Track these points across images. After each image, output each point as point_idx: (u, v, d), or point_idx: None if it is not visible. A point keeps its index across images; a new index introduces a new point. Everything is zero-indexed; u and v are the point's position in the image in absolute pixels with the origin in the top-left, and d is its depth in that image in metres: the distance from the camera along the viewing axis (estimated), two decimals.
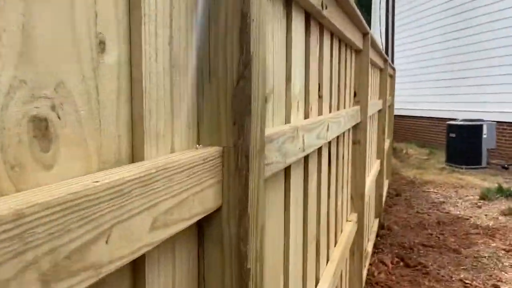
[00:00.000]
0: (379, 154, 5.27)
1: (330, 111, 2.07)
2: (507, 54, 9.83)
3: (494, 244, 4.67)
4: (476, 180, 7.96)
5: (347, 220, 2.76)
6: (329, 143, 2.05)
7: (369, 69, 3.18)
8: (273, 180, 1.18)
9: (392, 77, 7.46)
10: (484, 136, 8.82)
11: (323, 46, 1.86)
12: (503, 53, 9.95)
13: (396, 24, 13.81)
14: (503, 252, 4.46)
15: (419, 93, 13.15)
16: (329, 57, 2.00)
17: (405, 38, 13.92)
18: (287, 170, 1.33)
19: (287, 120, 1.39)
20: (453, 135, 9.08)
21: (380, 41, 12.00)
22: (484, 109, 10.40)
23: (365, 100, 2.88)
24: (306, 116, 1.65)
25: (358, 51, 2.88)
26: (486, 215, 5.76)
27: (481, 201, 6.45)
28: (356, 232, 2.94)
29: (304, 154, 1.41)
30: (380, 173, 5.28)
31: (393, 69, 7.37)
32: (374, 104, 4.11)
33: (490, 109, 10.27)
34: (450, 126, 9.20)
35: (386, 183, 7.13)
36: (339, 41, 2.28)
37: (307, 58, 1.62)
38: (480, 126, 8.82)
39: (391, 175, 7.81)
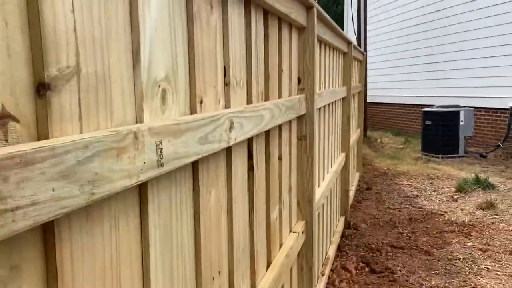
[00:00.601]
0: (344, 146, 4.82)
1: (250, 102, 1.58)
2: (481, 37, 9.46)
3: (469, 243, 4.27)
4: (452, 170, 7.59)
5: (291, 231, 2.29)
6: (249, 143, 1.58)
7: (317, 50, 2.70)
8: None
9: (362, 62, 7.01)
10: (461, 123, 8.44)
11: (231, 15, 1.37)
12: (477, 35, 9.57)
13: (369, 8, 13.37)
14: (479, 252, 4.05)
15: (394, 79, 12.76)
16: (244, 32, 1.51)
17: (380, 22, 13.49)
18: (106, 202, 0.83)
19: (138, 120, 0.91)
20: (428, 122, 8.70)
21: (352, 26, 11.55)
22: (462, 94, 10.04)
23: (312, 87, 2.40)
24: (193, 110, 1.16)
25: (300, 29, 2.39)
26: (462, 209, 5.36)
27: (457, 193, 6.06)
28: (304, 244, 2.47)
29: (165, 170, 0.92)
30: (346, 167, 4.83)
31: (362, 53, 6.91)
32: (332, 92, 3.63)
33: (468, 94, 9.91)
34: (426, 113, 8.81)
35: (356, 176, 6.71)
36: (266, 13, 1.79)
37: (190, 29, 1.13)
38: (457, 113, 8.44)
39: (362, 167, 7.39)
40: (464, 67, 9.97)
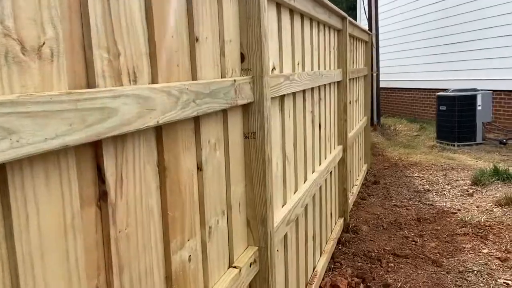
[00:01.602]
0: (341, 139, 4.19)
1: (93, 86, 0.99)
2: (501, 13, 8.64)
3: (485, 250, 3.62)
4: (469, 160, 6.88)
5: (230, 267, 1.69)
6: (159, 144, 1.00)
7: (273, 17, 2.08)
8: None
9: (368, 43, 6.32)
10: (479, 108, 7.70)
11: None
12: (497, 12, 8.76)
13: None
14: (497, 262, 3.40)
15: (409, 63, 11.97)
16: None
17: (393, 3, 12.66)
18: None
19: None
20: (443, 108, 7.97)
21: (363, 6, 10.79)
22: (481, 77, 9.26)
23: (260, 67, 1.78)
24: None
25: None
26: (478, 206, 4.69)
27: (473, 186, 5.38)
28: (257, 277, 1.87)
29: None
30: (343, 162, 4.20)
31: (368, 33, 6.23)
32: (316, 76, 3.01)
33: (487, 76, 9.12)
34: (440, 97, 8.08)
35: (363, 169, 6.07)
36: None
37: None
38: (474, 97, 7.70)
39: (370, 158, 6.73)
40: (483, 47, 9.17)
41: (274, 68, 2.19)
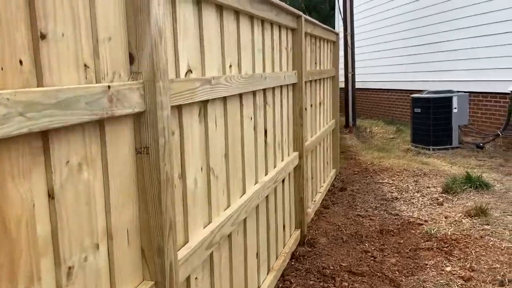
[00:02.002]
0: (297, 145, 3.91)
1: None
2: (477, 13, 8.44)
3: (449, 268, 3.35)
4: (443, 165, 6.65)
5: None
6: None
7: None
8: None
9: (336, 43, 6.05)
10: (455, 110, 7.48)
11: None
12: (473, 12, 8.56)
13: None
14: (459, 282, 3.14)
15: (386, 63, 11.74)
16: None
17: (368, 3, 12.42)
18: None
19: None
20: (418, 110, 7.74)
21: (338, 7, 10.53)
22: (458, 78, 9.06)
23: (152, 70, 1.49)
24: None
25: None
26: (446, 217, 4.44)
27: (444, 195, 5.14)
28: None
29: None
30: (299, 169, 3.92)
31: (335, 33, 5.95)
32: (254, 78, 2.72)
33: (463, 77, 8.92)
34: (414, 99, 7.85)
35: (331, 175, 5.81)
36: None
37: None
38: (449, 99, 7.48)
39: (339, 162, 6.46)
40: (461, 47, 8.97)
41: (190, 71, 1.89)
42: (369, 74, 12.44)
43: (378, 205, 4.89)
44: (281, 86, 3.47)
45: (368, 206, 4.87)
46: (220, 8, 2.23)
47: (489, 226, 4.10)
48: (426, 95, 7.59)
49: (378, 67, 12.07)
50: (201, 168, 2.02)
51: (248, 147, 2.67)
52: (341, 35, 9.96)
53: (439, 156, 7.23)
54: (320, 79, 5.13)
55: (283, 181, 3.57)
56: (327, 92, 5.71)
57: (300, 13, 3.77)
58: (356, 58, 12.91)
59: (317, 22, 4.59)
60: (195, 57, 1.94)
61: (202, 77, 1.95)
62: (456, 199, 4.96)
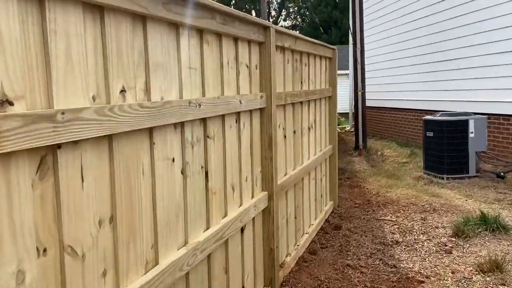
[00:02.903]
0: (266, 183, 3.19)
1: None
2: (499, 27, 7.61)
3: None
4: (457, 197, 5.82)
5: None
6: None
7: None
8: None
9: (332, 59, 5.32)
10: (471, 135, 6.64)
11: None
12: (493, 25, 7.73)
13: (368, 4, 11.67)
14: None
15: (401, 80, 10.93)
16: None
17: (383, 17, 11.65)
18: None
19: None
20: (430, 134, 6.92)
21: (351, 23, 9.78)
22: (478, 98, 8.21)
23: None
24: None
25: None
26: (453, 271, 3.63)
27: (454, 239, 4.33)
28: None
29: None
30: (268, 214, 3.20)
31: (332, 49, 5.23)
32: (184, 106, 2.03)
33: (483, 98, 8.07)
34: (427, 122, 7.03)
35: (325, 209, 5.07)
36: None
37: None
38: (465, 122, 6.65)
39: (337, 193, 5.69)
40: (479, 65, 8.13)
41: (6, 102, 1.21)
42: (385, 92, 11.65)
43: (374, 251, 4.11)
44: (238, 113, 2.76)
45: (362, 252, 4.09)
46: (101, 9, 1.55)
47: (505, 287, 3.29)
48: (439, 118, 6.77)
49: (393, 84, 11.27)
50: (43, 251, 1.32)
51: (164, 199, 1.96)
52: (351, 50, 9.23)
53: (454, 186, 6.39)
54: (308, 101, 4.40)
55: (242, 230, 2.86)
56: (321, 114, 4.98)
57: (269, 24, 3.07)
58: (371, 75, 12.17)
59: (299, 35, 3.88)
60: (19, 78, 1.25)
61: (33, 112, 1.26)
62: (467, 245, 4.14)
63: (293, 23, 43.73)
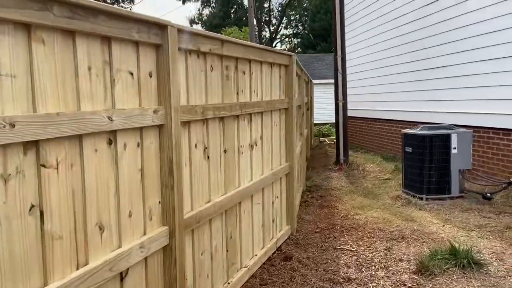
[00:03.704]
0: (166, 218, 2.60)
1: None
2: (487, 31, 7.00)
3: None
4: (434, 222, 5.19)
5: None
6: None
7: None
8: None
9: (289, 67, 4.73)
10: (454, 150, 6.02)
11: None
12: (483, 29, 7.12)
13: (352, 10, 11.09)
14: None
15: (388, 90, 10.31)
16: None
17: (367, 24, 11.05)
18: None
19: None
20: (409, 149, 6.31)
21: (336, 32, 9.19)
22: (465, 109, 7.60)
23: None
24: None
25: None
26: None
27: (416, 277, 3.71)
28: None
29: None
30: (169, 255, 2.61)
31: (288, 55, 4.64)
32: None
33: (472, 109, 7.45)
34: (406, 136, 6.42)
35: (278, 235, 4.47)
36: None
37: None
38: (447, 136, 6.03)
39: (295, 218, 5.08)
40: (467, 73, 7.52)
41: None
42: (372, 101, 11.04)
43: None
44: (111, 132, 2.18)
45: None
46: None
47: None
48: (418, 131, 6.16)
49: (381, 94, 10.65)
50: None
51: None
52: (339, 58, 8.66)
53: (432, 208, 5.77)
54: (249, 114, 3.82)
55: (122, 278, 2.27)
56: (272, 129, 4.39)
57: (166, 22, 2.49)
58: (359, 83, 11.57)
59: (229, 38, 3.29)
60: None
61: None
62: (430, 285, 3.53)
63: (294, 31, 43.28)
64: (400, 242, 4.55)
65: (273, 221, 4.46)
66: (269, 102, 4.19)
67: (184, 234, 2.77)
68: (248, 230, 3.83)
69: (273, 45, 52.78)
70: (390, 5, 9.99)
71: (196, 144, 2.98)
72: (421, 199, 6.10)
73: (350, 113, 12.63)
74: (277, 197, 4.57)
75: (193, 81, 2.92)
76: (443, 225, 5.06)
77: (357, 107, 11.87)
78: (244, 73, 3.69)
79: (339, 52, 8.52)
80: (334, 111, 15.51)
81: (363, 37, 11.31)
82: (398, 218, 5.35)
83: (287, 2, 44.84)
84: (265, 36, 53.35)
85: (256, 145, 4.00)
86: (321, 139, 16.54)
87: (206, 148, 3.11)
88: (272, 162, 4.40)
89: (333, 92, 15.51)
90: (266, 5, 51.69)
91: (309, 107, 12.16)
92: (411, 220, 5.29)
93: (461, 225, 5.02)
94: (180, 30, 2.65)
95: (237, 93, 3.58)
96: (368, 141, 11.45)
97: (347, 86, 12.82)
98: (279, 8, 51.48)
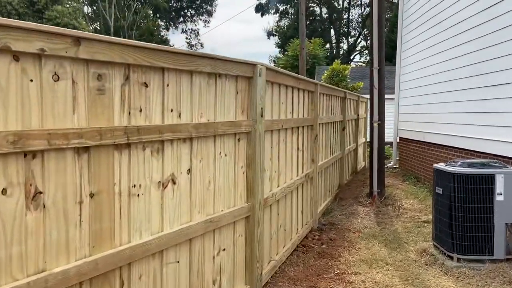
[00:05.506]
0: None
1: None
2: None
3: None
4: None
5: None
6: None
7: None
8: None
9: (246, 79, 3.56)
10: (499, 197, 4.50)
11: None
12: None
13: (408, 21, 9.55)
14: None
15: (446, 109, 8.65)
16: None
17: (421, 35, 9.42)
18: None
19: None
20: (439, 190, 4.85)
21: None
22: None
23: None
24: None
25: None
26: None
27: None
28: None
29: None
30: None
31: (252, 65, 3.47)
32: None
33: None
34: (437, 173, 4.96)
35: None
36: None
37: None
38: (489, 177, 4.52)
39: (263, 278, 3.87)
40: None
41: None
42: (427, 123, 9.44)
43: None
44: None
45: None
46: None
47: None
48: (452, 168, 4.69)
49: (439, 114, 9.02)
50: None
51: None
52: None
53: (463, 275, 4.29)
54: (161, 141, 2.72)
55: None
56: (218, 160, 3.24)
57: None
58: (412, 101, 10.05)
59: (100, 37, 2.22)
60: None
61: None
62: None
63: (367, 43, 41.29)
64: None
65: (213, 282, 3.30)
66: (207, 124, 3.06)
67: None
68: None
69: (352, 57, 50.94)
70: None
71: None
72: (451, 258, 4.62)
73: (405, 134, 11.04)
74: (224, 249, 3.41)
75: None
76: None
77: (413, 128, 10.30)
78: (145, 85, 2.60)
79: (375, 64, 7.14)
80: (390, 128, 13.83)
81: (424, 46, 9.74)
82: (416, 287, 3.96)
83: (367, 13, 43.07)
84: (342, 48, 51.66)
85: (174, 183, 2.88)
86: None
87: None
88: (213, 203, 3.25)
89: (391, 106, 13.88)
90: (345, 16, 50.10)
91: (356, 125, 10.77)
92: None
93: None
94: None
95: (128, 113, 2.49)
96: (421, 168, 9.83)
97: (399, 104, 11.29)
98: (359, 20, 49.68)
